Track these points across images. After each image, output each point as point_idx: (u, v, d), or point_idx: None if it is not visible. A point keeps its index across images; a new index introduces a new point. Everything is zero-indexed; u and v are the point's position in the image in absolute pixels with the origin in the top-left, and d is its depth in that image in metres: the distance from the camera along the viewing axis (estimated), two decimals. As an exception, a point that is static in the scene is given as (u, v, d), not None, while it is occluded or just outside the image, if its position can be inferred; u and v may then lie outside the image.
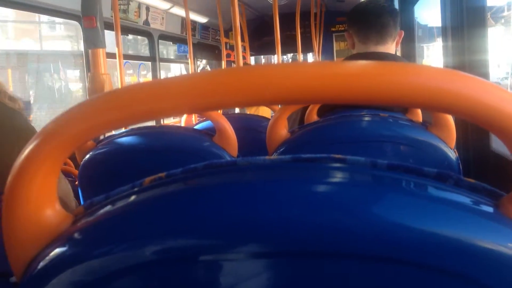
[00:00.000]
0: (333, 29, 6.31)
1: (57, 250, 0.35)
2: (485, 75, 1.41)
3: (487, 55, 1.41)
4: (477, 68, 1.38)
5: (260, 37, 5.94)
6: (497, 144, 1.36)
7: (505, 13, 7.91)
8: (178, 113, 0.33)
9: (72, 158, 2.24)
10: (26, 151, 0.34)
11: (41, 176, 0.34)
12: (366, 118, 1.07)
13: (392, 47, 1.40)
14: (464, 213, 0.32)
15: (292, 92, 0.29)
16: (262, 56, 7.89)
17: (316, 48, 4.95)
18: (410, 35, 2.52)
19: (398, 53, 2.37)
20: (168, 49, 6.08)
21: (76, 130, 0.33)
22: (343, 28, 6.17)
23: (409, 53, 2.58)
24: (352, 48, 1.45)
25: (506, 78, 8.62)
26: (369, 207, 0.31)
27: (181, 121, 2.85)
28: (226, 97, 0.30)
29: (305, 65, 0.30)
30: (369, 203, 0.32)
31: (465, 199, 0.33)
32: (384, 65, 0.29)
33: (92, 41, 1.49)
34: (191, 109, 0.32)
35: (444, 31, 1.55)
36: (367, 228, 0.30)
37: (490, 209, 0.33)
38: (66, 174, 2.03)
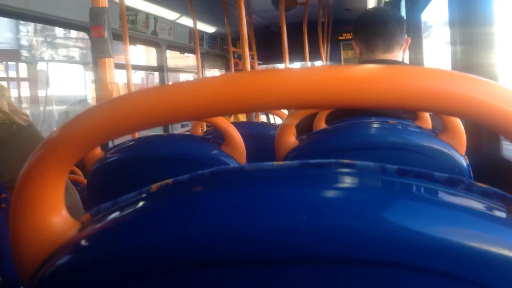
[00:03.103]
0: (341, 37, 6.33)
1: (64, 257, 0.34)
2: (494, 76, 1.39)
3: (495, 55, 1.39)
4: (485, 70, 1.36)
5: (267, 46, 5.96)
6: (507, 151, 1.34)
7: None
8: (188, 118, 0.32)
9: (81, 167, 2.26)
10: (33, 158, 0.34)
11: (47, 183, 0.34)
12: (375, 125, 1.06)
13: (399, 54, 1.39)
14: (476, 219, 0.31)
15: (305, 94, 0.29)
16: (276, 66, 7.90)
17: (323, 57, 4.96)
18: (418, 42, 2.51)
19: (406, 61, 2.36)
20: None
21: (82, 136, 0.33)
22: (350, 37, 6.15)
23: (417, 60, 2.57)
24: (359, 57, 1.45)
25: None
26: (379, 212, 0.31)
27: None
28: (238, 101, 0.30)
29: (317, 69, 0.30)
30: (379, 208, 0.31)
31: (476, 204, 0.33)
32: (396, 68, 0.29)
33: (100, 50, 1.50)
34: (201, 114, 0.32)
35: (452, 27, 1.53)
36: (378, 233, 0.30)
37: (502, 215, 0.32)
38: (75, 183, 2.04)
